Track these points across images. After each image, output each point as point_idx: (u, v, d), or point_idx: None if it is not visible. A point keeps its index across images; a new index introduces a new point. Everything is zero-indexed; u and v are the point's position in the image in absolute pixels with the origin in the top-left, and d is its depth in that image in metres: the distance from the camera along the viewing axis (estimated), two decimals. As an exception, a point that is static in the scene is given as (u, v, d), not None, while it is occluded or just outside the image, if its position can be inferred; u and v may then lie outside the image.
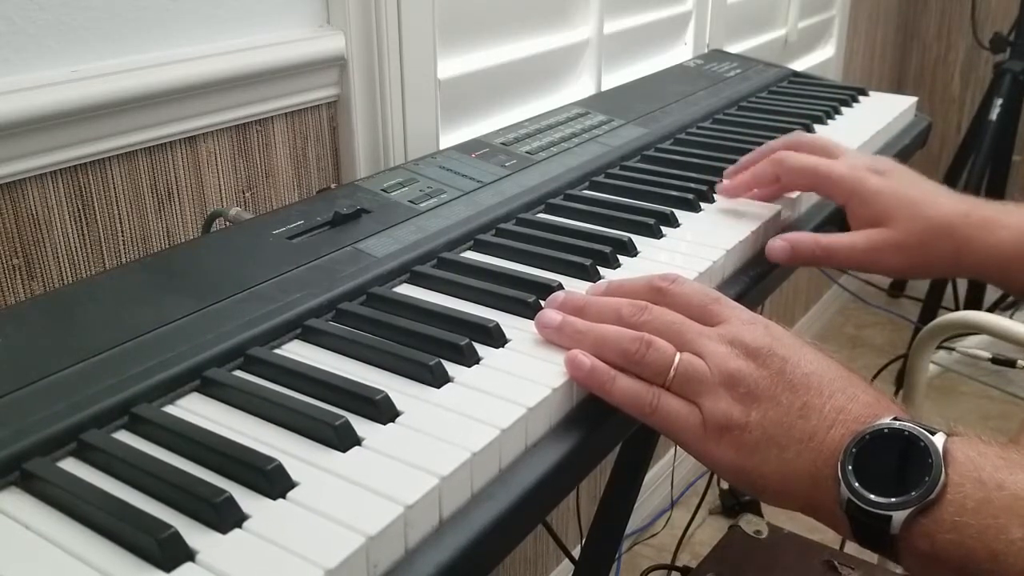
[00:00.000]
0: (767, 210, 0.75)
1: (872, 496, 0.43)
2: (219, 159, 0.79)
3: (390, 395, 0.47)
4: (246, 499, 0.40)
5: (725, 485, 1.91)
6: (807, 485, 0.46)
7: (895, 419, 0.45)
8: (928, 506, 0.42)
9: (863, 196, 0.69)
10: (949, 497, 0.42)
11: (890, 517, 0.43)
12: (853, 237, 0.69)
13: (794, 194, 0.77)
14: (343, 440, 0.44)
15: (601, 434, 0.51)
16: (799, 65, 1.90)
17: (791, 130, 0.96)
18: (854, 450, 0.45)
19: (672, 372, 0.50)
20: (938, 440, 0.43)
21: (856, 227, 0.70)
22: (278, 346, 0.53)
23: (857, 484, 0.44)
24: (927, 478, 0.42)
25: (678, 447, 0.51)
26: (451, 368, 0.50)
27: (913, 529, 0.43)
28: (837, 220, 0.84)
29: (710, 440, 0.49)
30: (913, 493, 0.42)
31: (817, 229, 0.80)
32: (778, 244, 0.70)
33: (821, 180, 0.72)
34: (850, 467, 0.44)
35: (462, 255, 0.66)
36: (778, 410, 0.47)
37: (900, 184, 0.69)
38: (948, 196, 0.69)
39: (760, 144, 0.90)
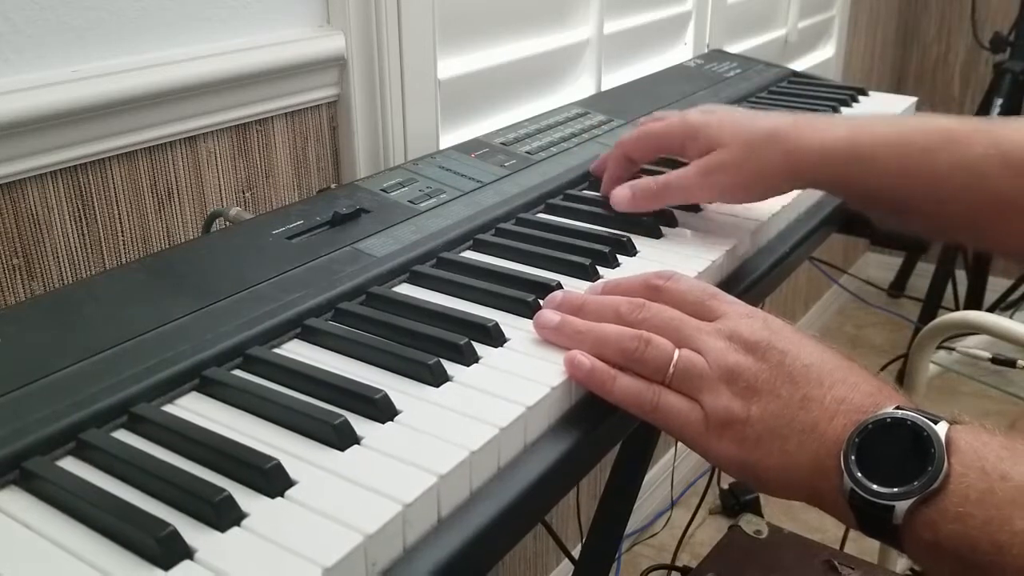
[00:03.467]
0: (766, 211, 0.75)
1: (875, 486, 0.43)
2: (219, 159, 0.79)
3: (389, 394, 0.47)
4: (245, 498, 0.40)
5: (725, 485, 1.91)
6: (810, 476, 0.46)
7: (898, 408, 0.45)
8: (931, 496, 0.42)
9: (690, 133, 0.70)
10: (952, 487, 0.42)
11: (893, 507, 0.43)
12: (688, 167, 0.70)
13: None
14: (342, 439, 0.44)
15: (600, 433, 0.51)
16: (799, 65, 1.90)
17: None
18: (856, 440, 0.45)
19: (671, 369, 0.50)
20: (941, 429, 0.43)
21: None
22: (277, 345, 0.53)
23: (860, 474, 0.44)
24: (930, 468, 0.42)
25: (678, 446, 0.51)
26: (450, 367, 0.50)
27: (916, 519, 0.42)
28: (836, 219, 0.84)
29: (712, 436, 0.49)
30: (916, 483, 0.42)
31: (816, 229, 0.80)
32: (620, 191, 0.71)
33: (656, 138, 0.73)
34: (853, 457, 0.44)
35: (461, 255, 0.66)
36: (779, 403, 0.47)
37: (725, 114, 0.70)
38: (776, 114, 0.70)
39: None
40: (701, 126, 0.69)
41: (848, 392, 0.47)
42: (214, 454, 0.43)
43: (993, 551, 0.41)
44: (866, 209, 0.69)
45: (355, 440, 0.44)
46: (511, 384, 0.49)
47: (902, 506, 0.43)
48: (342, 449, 0.43)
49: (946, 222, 0.65)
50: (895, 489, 0.43)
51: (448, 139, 1.00)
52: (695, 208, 0.76)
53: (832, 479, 0.45)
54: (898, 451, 0.44)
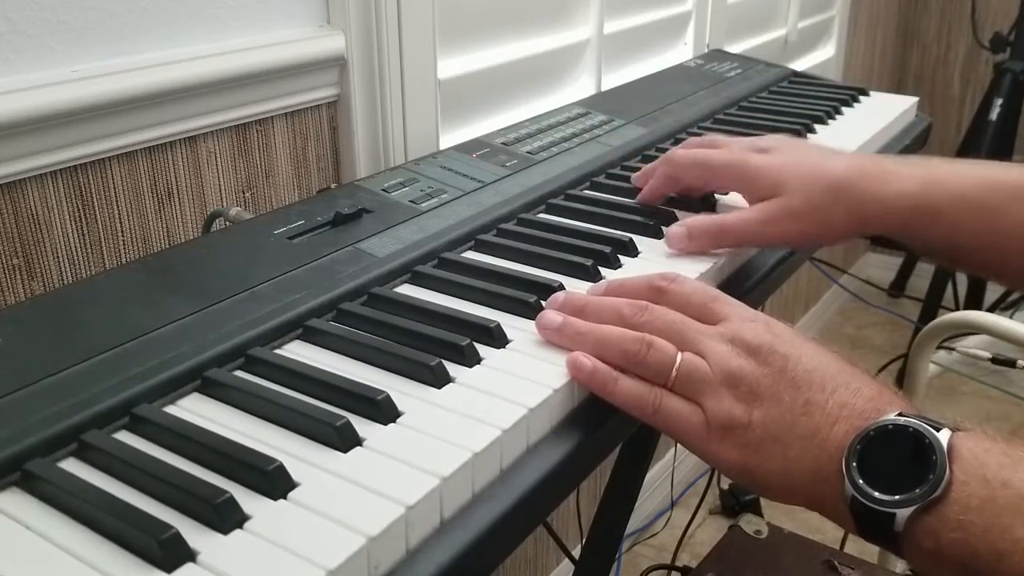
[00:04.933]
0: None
1: (876, 493, 0.43)
2: (219, 159, 0.79)
3: (391, 395, 0.47)
4: (247, 499, 0.40)
5: (725, 485, 1.90)
6: (811, 482, 0.46)
7: (900, 414, 0.45)
8: (932, 504, 0.42)
9: (748, 176, 0.68)
10: (954, 495, 0.42)
11: (894, 514, 0.43)
12: (749, 211, 0.67)
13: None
14: (344, 440, 0.44)
15: (602, 434, 0.51)
16: (799, 65, 1.90)
17: (792, 130, 0.96)
18: (858, 447, 0.45)
19: (674, 372, 0.50)
20: (943, 436, 0.43)
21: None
22: (279, 346, 0.53)
23: (861, 481, 0.44)
24: (931, 475, 0.42)
25: (678, 447, 0.51)
26: (452, 368, 0.50)
27: (917, 527, 0.42)
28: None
29: (713, 440, 0.49)
30: (917, 491, 0.42)
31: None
32: (675, 230, 0.67)
33: (706, 169, 0.71)
34: (854, 464, 0.44)
35: (463, 255, 0.66)
36: (780, 408, 0.47)
37: (785, 156, 0.68)
38: (838, 157, 0.67)
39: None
40: (762, 170, 0.67)
41: (850, 397, 0.47)
42: (216, 456, 0.42)
43: (994, 559, 0.40)
44: (927, 255, 0.69)
45: (357, 442, 0.44)
46: (513, 385, 0.49)
47: (903, 513, 0.42)
48: (344, 451, 0.43)
49: (1011, 276, 0.65)
50: (896, 496, 0.43)
51: (448, 139, 1.00)
52: (696, 209, 0.76)
53: (833, 485, 0.45)
54: (900, 458, 0.44)
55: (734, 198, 0.74)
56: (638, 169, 0.84)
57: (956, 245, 0.64)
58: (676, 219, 0.72)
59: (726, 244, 0.68)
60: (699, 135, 0.94)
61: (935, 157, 0.66)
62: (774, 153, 0.68)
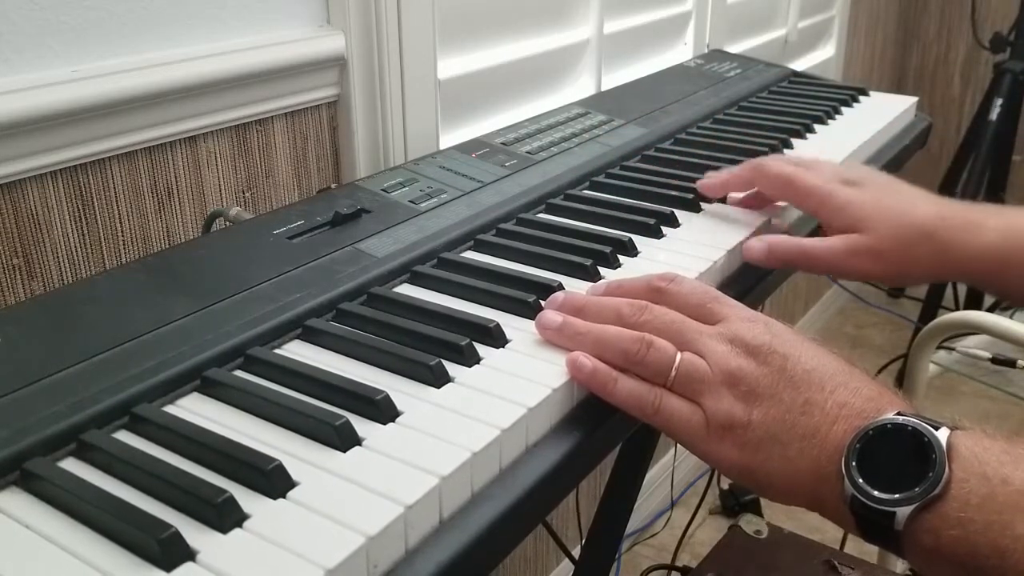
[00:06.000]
0: (767, 211, 0.75)
1: (876, 492, 0.43)
2: (219, 159, 0.79)
3: (390, 395, 0.47)
4: (247, 499, 0.40)
5: (725, 485, 1.91)
6: (811, 482, 0.46)
7: (899, 414, 0.45)
8: (932, 502, 0.42)
9: (832, 208, 0.68)
10: (953, 493, 0.42)
11: (894, 513, 0.43)
12: (833, 241, 0.68)
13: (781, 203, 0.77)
14: (343, 440, 0.44)
15: (601, 434, 0.51)
16: (799, 65, 1.90)
17: (792, 130, 0.96)
18: (858, 446, 0.45)
19: (673, 372, 0.50)
20: (942, 435, 0.43)
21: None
22: (278, 346, 0.53)
23: (861, 480, 0.44)
24: (931, 474, 0.42)
25: (678, 447, 0.51)
26: (452, 368, 0.50)
27: (917, 525, 0.43)
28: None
29: (713, 439, 0.49)
30: (917, 489, 0.42)
31: (817, 229, 0.80)
32: (756, 244, 0.69)
33: (793, 189, 0.71)
34: (854, 463, 0.44)
35: (462, 255, 0.66)
36: (780, 407, 0.47)
37: (873, 193, 0.68)
38: (925, 200, 0.68)
39: (761, 144, 0.91)
40: (849, 204, 0.67)
41: (849, 397, 0.47)
42: (215, 455, 0.42)
43: (994, 556, 0.41)
44: (1005, 299, 0.71)
45: (356, 441, 0.44)
46: (513, 385, 0.49)
47: (903, 512, 0.43)
48: (344, 450, 0.43)
49: None
50: (896, 495, 0.43)
51: (448, 139, 1.00)
52: (695, 209, 0.76)
53: (833, 484, 0.45)
54: (899, 457, 0.44)
55: (718, 209, 0.75)
56: (638, 169, 0.84)
57: None
58: (676, 219, 0.72)
59: (804, 268, 0.69)
60: (699, 135, 0.94)
61: (1019, 208, 0.67)
62: (862, 187, 0.69)
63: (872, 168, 0.76)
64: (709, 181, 0.77)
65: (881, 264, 0.66)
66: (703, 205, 0.76)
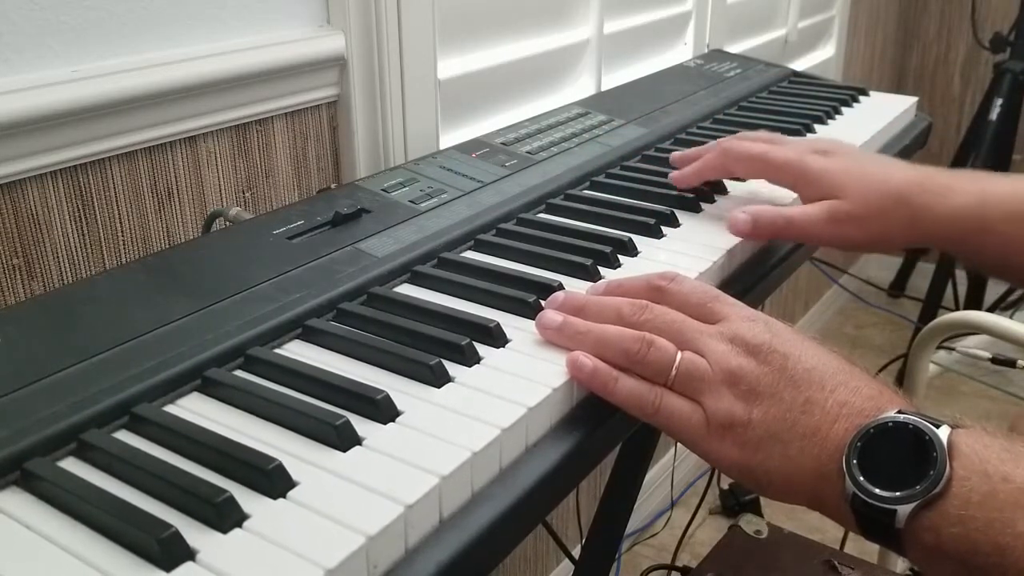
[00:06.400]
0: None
1: (877, 490, 0.43)
2: (219, 159, 0.79)
3: (391, 395, 0.47)
4: (247, 499, 0.40)
5: (725, 485, 1.90)
6: (812, 480, 0.46)
7: (899, 412, 0.45)
8: (933, 500, 0.42)
9: (808, 178, 0.69)
10: (954, 491, 0.42)
11: (895, 511, 0.43)
12: (813, 207, 0.69)
13: (789, 196, 0.77)
14: (344, 440, 0.44)
15: (601, 434, 0.51)
16: (799, 65, 1.90)
17: (791, 130, 0.96)
18: (858, 444, 0.45)
19: (674, 371, 0.50)
20: (943, 433, 0.43)
21: None
22: (278, 346, 0.53)
23: (862, 478, 0.44)
24: (932, 472, 0.42)
25: (678, 447, 0.51)
26: (452, 368, 0.50)
27: (918, 523, 0.43)
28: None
29: (713, 438, 0.49)
30: (918, 487, 0.42)
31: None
32: (740, 217, 0.69)
33: (765, 165, 0.72)
34: (854, 461, 0.44)
35: (463, 255, 0.66)
36: (780, 406, 0.47)
37: (846, 161, 0.69)
38: (900, 167, 0.69)
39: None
40: (825, 172, 0.68)
41: (850, 396, 0.47)
42: (216, 455, 0.43)
43: (995, 553, 0.41)
44: (981, 270, 0.71)
45: (357, 441, 0.44)
46: (513, 385, 0.49)
47: (904, 510, 0.43)
48: (344, 450, 0.43)
49: None
50: (897, 493, 0.43)
51: (448, 139, 1.00)
52: (695, 209, 0.76)
53: (834, 483, 0.45)
54: (900, 455, 0.44)
55: (751, 185, 0.75)
56: (638, 169, 0.84)
57: (1008, 262, 0.66)
58: (676, 219, 0.72)
59: (788, 237, 0.70)
60: (699, 135, 0.94)
61: (995, 173, 0.68)
62: (833, 157, 0.70)
63: (839, 140, 0.76)
64: (680, 174, 0.77)
65: (861, 229, 0.67)
66: (703, 205, 0.76)
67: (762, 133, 0.78)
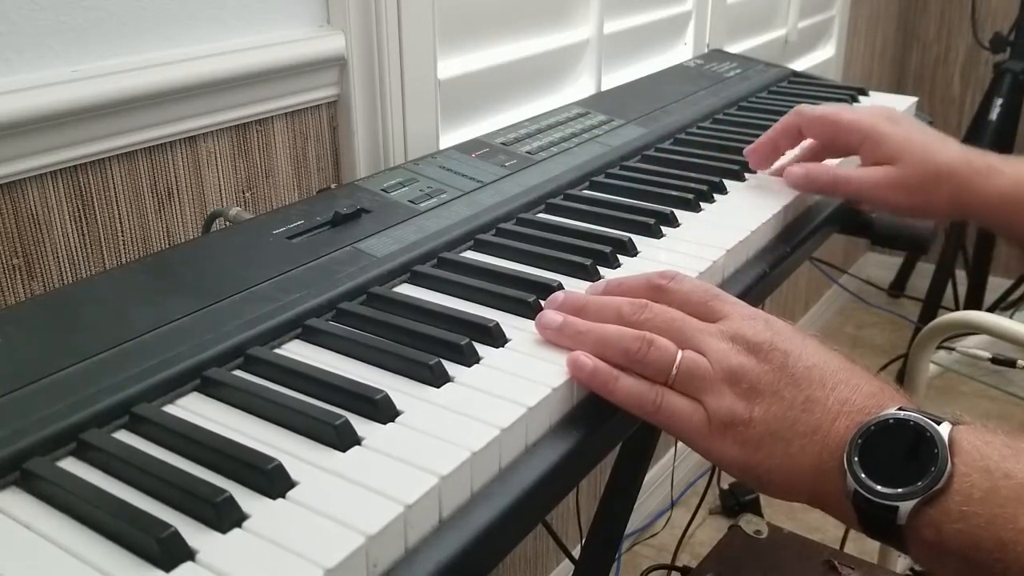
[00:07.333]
0: (768, 210, 0.75)
1: (878, 487, 0.44)
2: (219, 159, 0.79)
3: (390, 395, 0.47)
4: (246, 499, 0.40)
5: (725, 485, 1.90)
6: (813, 478, 0.46)
7: (900, 409, 0.45)
8: (935, 496, 0.42)
9: (875, 138, 0.74)
10: (956, 487, 0.42)
11: (897, 508, 0.43)
12: (865, 170, 0.75)
13: (834, 162, 0.80)
14: (343, 440, 0.44)
15: (601, 434, 0.51)
16: (799, 65, 1.90)
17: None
18: (859, 441, 0.45)
19: (674, 370, 0.50)
20: (944, 430, 0.44)
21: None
22: (278, 346, 0.53)
23: (863, 475, 0.44)
24: (933, 468, 0.43)
25: (678, 447, 0.51)
26: (451, 368, 0.50)
27: (920, 519, 0.43)
28: (836, 219, 0.84)
29: (715, 437, 0.49)
30: (919, 483, 0.43)
31: (817, 229, 0.80)
32: (796, 170, 0.76)
33: (838, 126, 0.77)
34: (856, 458, 0.44)
35: (462, 255, 0.66)
36: (781, 405, 0.47)
37: (910, 130, 0.75)
38: (952, 144, 0.74)
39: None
40: (886, 136, 0.74)
41: (850, 393, 0.47)
42: (215, 455, 0.42)
43: (997, 549, 0.41)
44: (1019, 246, 0.75)
45: (356, 441, 0.44)
46: (512, 385, 0.49)
47: (906, 506, 0.43)
48: (343, 450, 0.43)
49: None
50: (899, 490, 0.43)
51: (448, 139, 1.00)
52: (695, 209, 0.76)
53: (835, 480, 0.45)
54: (901, 452, 0.44)
55: (751, 183, 0.77)
56: (638, 169, 0.84)
57: None
58: (676, 219, 0.72)
59: (838, 194, 0.78)
60: (699, 135, 0.94)
61: None
62: (898, 125, 0.75)
63: (897, 109, 0.82)
64: (756, 145, 0.82)
65: (909, 197, 0.73)
66: (703, 205, 0.76)
67: (831, 103, 0.84)
